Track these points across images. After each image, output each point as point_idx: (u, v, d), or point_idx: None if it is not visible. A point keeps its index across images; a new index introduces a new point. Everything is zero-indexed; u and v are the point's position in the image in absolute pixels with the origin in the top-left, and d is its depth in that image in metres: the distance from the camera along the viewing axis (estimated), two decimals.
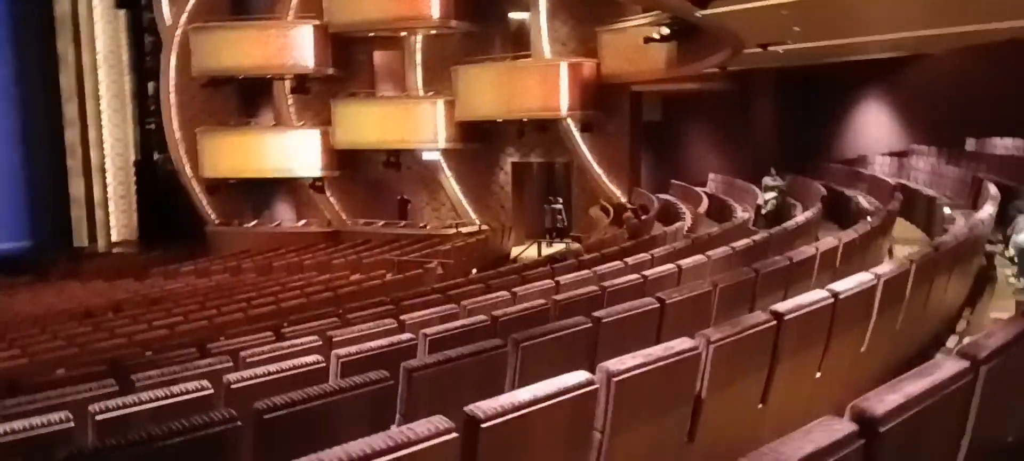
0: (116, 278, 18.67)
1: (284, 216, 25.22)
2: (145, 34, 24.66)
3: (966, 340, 5.51)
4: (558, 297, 5.18)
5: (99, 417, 3.11)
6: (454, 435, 2.05)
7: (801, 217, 9.43)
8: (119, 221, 24.87)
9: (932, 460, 1.90)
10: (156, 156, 25.21)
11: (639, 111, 20.99)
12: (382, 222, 23.28)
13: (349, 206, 24.23)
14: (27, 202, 24.18)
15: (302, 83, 23.15)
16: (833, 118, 19.11)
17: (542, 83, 20.37)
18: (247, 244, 23.02)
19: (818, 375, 3.54)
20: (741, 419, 3.06)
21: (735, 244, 7.31)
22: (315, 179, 23.73)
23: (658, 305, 4.18)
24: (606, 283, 5.55)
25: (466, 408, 2.12)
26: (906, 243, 9.38)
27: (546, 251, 18.20)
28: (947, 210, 10.17)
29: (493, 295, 6.24)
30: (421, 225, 23.03)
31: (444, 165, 23.01)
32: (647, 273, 5.91)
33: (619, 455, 2.52)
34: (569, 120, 20.75)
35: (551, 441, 2.30)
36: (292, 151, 23.55)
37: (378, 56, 23.81)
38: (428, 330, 4.30)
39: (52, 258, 22.21)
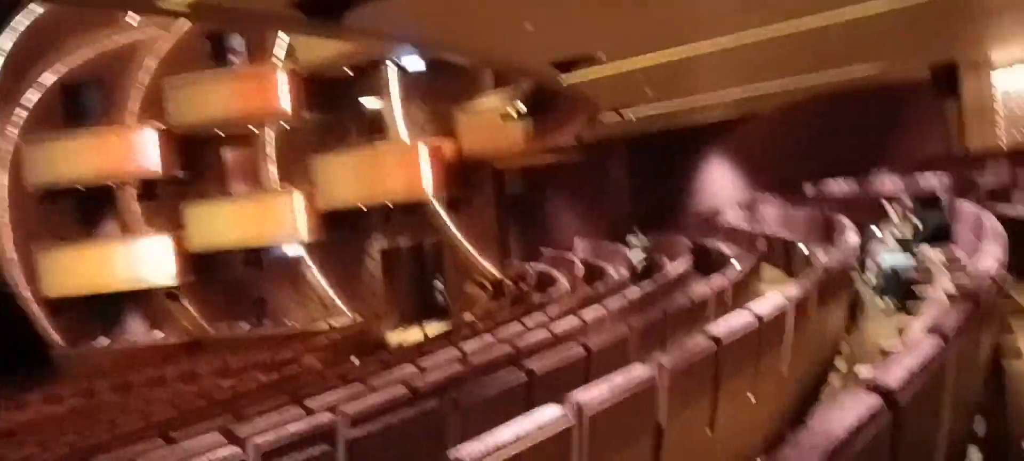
0: None
1: (137, 330, 23.66)
2: None
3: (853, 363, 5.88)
4: (472, 360, 5.10)
5: None
6: None
7: (677, 267, 9.79)
8: None
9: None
10: None
11: (502, 186, 21.40)
12: (246, 325, 22.28)
13: (209, 312, 23.07)
14: None
15: (150, 188, 22.11)
16: (682, 177, 20.22)
17: (404, 166, 20.41)
18: (100, 363, 21.37)
19: (752, 399, 3.66)
20: (696, 443, 3.10)
21: (626, 296, 7.50)
22: (170, 287, 22.48)
23: (584, 351, 4.20)
24: (519, 343, 5.53)
25: (450, 453, 2.04)
26: (773, 283, 9.96)
27: (430, 333, 17.96)
28: (804, 249, 10.94)
29: (402, 369, 6.06)
30: (289, 323, 22.23)
31: (307, 259, 22.43)
32: (553, 328, 5.95)
33: None
34: (434, 201, 20.82)
35: None
36: (142, 260, 22.28)
37: (229, 153, 23.13)
38: (347, 407, 4.12)
39: None
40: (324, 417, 3.88)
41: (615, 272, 12.79)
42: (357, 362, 13.85)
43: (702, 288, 6.08)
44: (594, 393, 2.49)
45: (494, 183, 21.18)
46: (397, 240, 22.39)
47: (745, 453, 3.53)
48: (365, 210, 21.40)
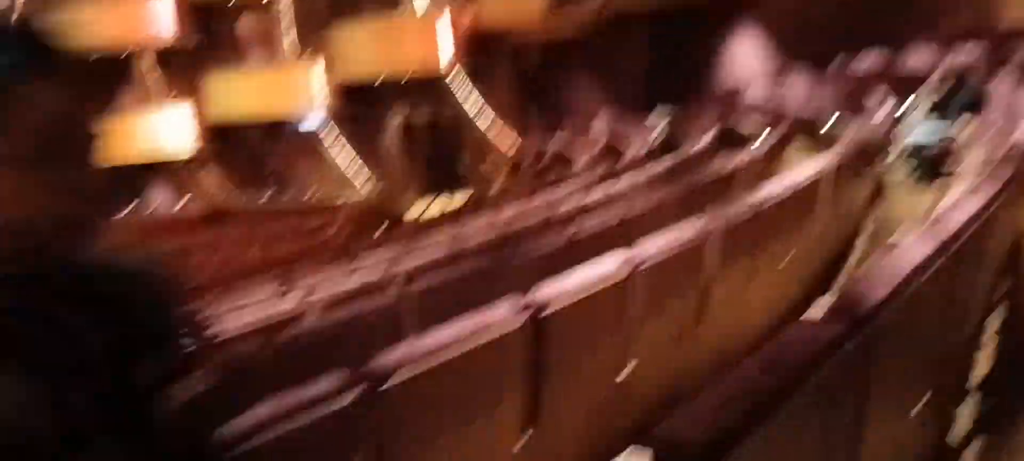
0: None
1: (159, 201, 23.99)
2: None
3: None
4: (508, 227, 5.23)
5: None
6: (522, 323, 2.10)
7: (701, 143, 9.79)
8: None
9: None
10: None
11: (519, 60, 21.13)
12: (265, 196, 22.54)
13: (229, 183, 23.32)
14: None
15: (166, 56, 21.95)
16: (705, 52, 19.86)
17: (421, 38, 20.15)
18: (124, 234, 21.75)
19: (781, 265, 3.78)
20: (736, 302, 3.24)
21: (647, 171, 7.57)
22: (190, 157, 22.66)
23: (621, 218, 4.32)
24: (550, 214, 5.65)
25: (527, 297, 2.18)
26: (801, 158, 9.98)
27: (449, 206, 18.16)
28: (832, 124, 10.89)
29: (438, 235, 6.21)
30: (307, 195, 22.47)
31: (325, 131, 22.45)
32: (579, 200, 6.06)
33: (645, 339, 2.64)
34: (452, 73, 20.64)
35: (599, 322, 2.39)
36: (162, 130, 22.36)
37: (245, 22, 22.83)
38: (400, 266, 4.28)
39: None
40: (377, 273, 4.04)
41: (635, 148, 12.80)
42: (378, 234, 14.11)
43: (728, 162, 6.14)
44: (650, 248, 2.61)
45: (512, 58, 20.92)
46: (414, 114, 22.33)
47: (779, 313, 3.68)
48: (382, 82, 21.26)
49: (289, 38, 22.09)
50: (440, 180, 23.78)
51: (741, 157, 6.83)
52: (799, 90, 15.08)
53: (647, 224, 4.60)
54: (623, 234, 4.42)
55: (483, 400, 2.03)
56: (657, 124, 15.14)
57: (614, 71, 20.59)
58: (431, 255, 4.60)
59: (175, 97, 22.60)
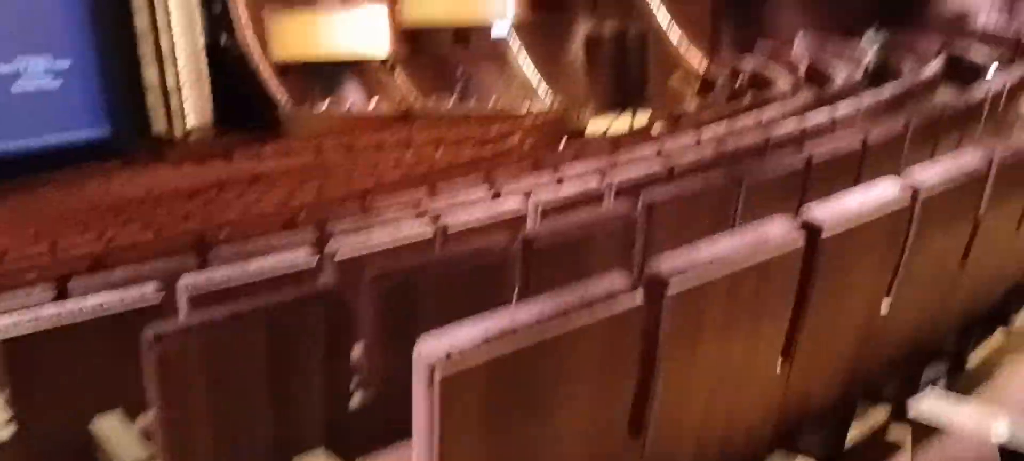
0: (203, 161, 19.02)
1: (354, 97, 25.19)
2: None
3: None
4: (726, 145, 5.03)
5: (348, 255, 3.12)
6: (800, 243, 1.99)
7: (926, 72, 8.96)
8: (193, 107, 25.12)
9: None
10: (223, 39, 25.19)
11: None
12: (452, 100, 23.09)
13: (418, 86, 24.06)
14: (103, 90, 24.45)
15: None
16: None
17: None
18: (320, 126, 23.13)
19: None
20: (1003, 244, 2.96)
21: (862, 99, 7.01)
22: (383, 59, 23.51)
23: (859, 145, 4.02)
24: (763, 136, 5.38)
25: (803, 214, 2.06)
26: None
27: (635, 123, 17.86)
28: None
29: (634, 151, 6.10)
30: (492, 102, 22.80)
31: (514, 39, 22.53)
32: (802, 125, 5.71)
33: (911, 274, 2.45)
34: None
35: (872, 250, 2.24)
36: (360, 30, 23.28)
37: None
38: (615, 177, 4.22)
39: (134, 145, 22.70)
40: (593, 182, 4.00)
41: (844, 73, 11.93)
42: (563, 144, 14.15)
43: (963, 94, 5.55)
44: (930, 174, 2.39)
45: None
46: (603, 25, 21.93)
47: None
48: None
49: None
50: (625, 95, 23.42)
51: (980, 89, 6.17)
52: None
53: (883, 154, 4.27)
54: (854, 164, 4.14)
55: (750, 319, 1.96)
56: (868, 48, 14.01)
57: None
58: (647, 169, 4.50)
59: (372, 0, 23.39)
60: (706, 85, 15.09)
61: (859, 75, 11.07)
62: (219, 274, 2.92)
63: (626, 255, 3.00)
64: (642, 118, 20.47)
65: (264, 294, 2.29)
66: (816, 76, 12.70)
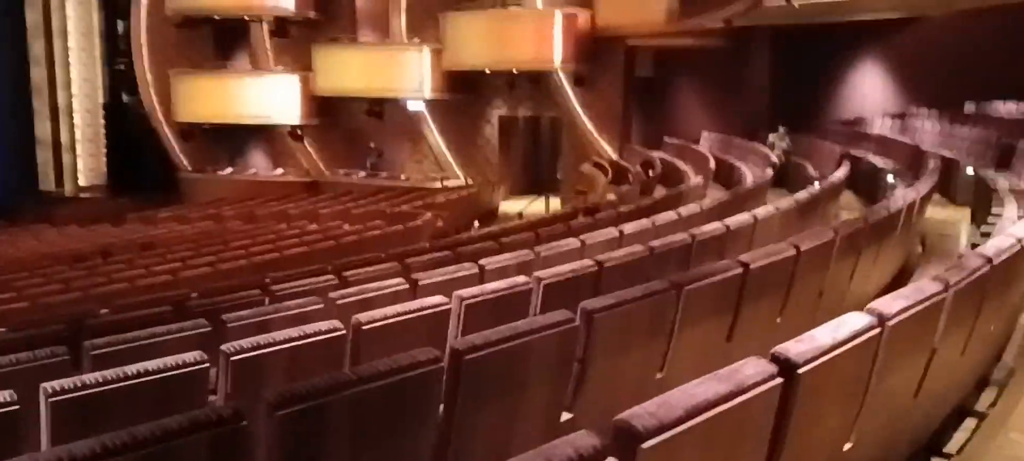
0: (91, 223, 17.92)
1: (259, 165, 24.48)
2: None
3: None
4: (653, 244, 4.89)
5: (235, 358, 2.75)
6: (776, 381, 1.77)
7: (833, 176, 9.18)
8: (87, 165, 23.88)
9: None
10: (126, 98, 24.19)
11: (632, 66, 20.67)
12: (363, 173, 22.71)
13: (327, 156, 23.59)
14: None
15: (283, 26, 22.33)
16: (827, 78, 19.03)
17: (535, 33, 19.90)
18: (221, 192, 22.30)
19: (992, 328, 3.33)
20: (951, 368, 2.84)
21: (779, 204, 7.08)
22: (294, 127, 23.00)
23: (793, 253, 3.92)
24: (693, 232, 5.28)
25: (777, 351, 1.84)
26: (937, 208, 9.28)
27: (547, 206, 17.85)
28: (970, 171, 10.14)
29: (558, 243, 5.92)
30: (402, 177, 22.55)
31: (428, 116, 22.45)
32: (726, 223, 5.65)
33: (876, 399, 2.27)
34: (561, 73, 20.34)
35: (841, 384, 2.04)
36: (271, 97, 22.77)
37: (361, 1, 23.04)
38: (543, 273, 3.98)
39: (19, 202, 21.27)
40: (519, 276, 3.74)
41: (752, 171, 12.23)
42: (477, 226, 13.98)
43: (882, 205, 5.63)
44: (894, 304, 2.23)
45: (624, 62, 20.46)
46: (517, 109, 22.14)
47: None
48: (489, 74, 21.13)
49: (401, 20, 22.13)
50: (537, 178, 23.55)
51: (894, 200, 6.29)
52: (928, 130, 14.21)
53: (813, 263, 4.19)
54: (787, 272, 4.03)
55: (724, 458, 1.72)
56: (775, 147, 14.52)
57: (728, 86, 19.93)
58: (573, 265, 4.28)
59: (286, 67, 22.98)
60: (619, 174, 15.24)
61: (768, 174, 11.35)
62: (91, 378, 2.49)
63: (564, 370, 2.74)
64: (554, 202, 20.61)
65: (142, 414, 1.91)
66: (723, 172, 12.99)
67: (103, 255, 12.50)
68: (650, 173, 14.38)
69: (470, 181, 21.83)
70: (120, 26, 23.77)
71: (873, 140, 13.54)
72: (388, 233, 12.83)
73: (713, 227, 5.44)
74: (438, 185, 21.20)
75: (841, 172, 9.04)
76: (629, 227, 6.48)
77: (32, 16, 23.10)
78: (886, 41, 18.01)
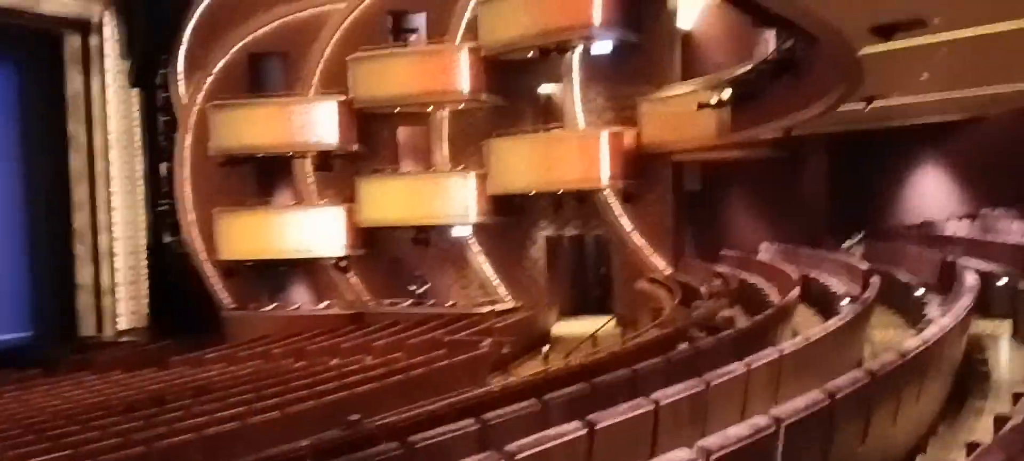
0: (135, 368, 17.34)
1: (302, 299, 24.03)
2: (159, 114, 23.82)
3: None
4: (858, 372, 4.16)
5: None
6: None
7: (966, 288, 8.12)
8: (128, 308, 23.55)
9: None
10: (167, 239, 24.06)
11: (680, 180, 20.33)
12: (408, 302, 22.16)
13: (371, 286, 23.14)
14: (30, 290, 22.84)
15: (325, 160, 22.33)
16: (885, 182, 18.51)
17: (581, 153, 19.70)
18: (265, 329, 21.75)
19: None
20: None
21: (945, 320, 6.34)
22: (339, 258, 22.65)
23: None
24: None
25: None
26: None
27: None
28: None
29: (722, 370, 5.18)
30: (448, 303, 21.97)
31: (473, 241, 22.07)
32: (903, 350, 4.94)
33: None
34: (608, 191, 20.00)
35: None
36: (314, 230, 22.55)
37: (402, 132, 23.12)
38: (780, 412, 3.29)
39: (57, 349, 20.81)
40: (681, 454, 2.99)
41: (838, 284, 11.47)
42: (546, 350, 13.27)
43: None
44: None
45: (672, 177, 20.14)
46: (563, 228, 21.73)
47: None
48: (532, 196, 20.85)
49: (444, 149, 22.09)
50: (587, 298, 22.90)
51: None
52: (1016, 230, 13.48)
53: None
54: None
55: None
56: (849, 251, 13.82)
57: (782, 196, 19.45)
58: (741, 430, 3.57)
59: (329, 199, 22.86)
60: (688, 292, 14.51)
61: (858, 290, 10.59)
62: None
63: None
64: (610, 323, 19.89)
65: None
66: (806, 284, 12.22)
67: (157, 403, 11.85)
68: (719, 287, 13.65)
69: (518, 304, 21.19)
70: (163, 168, 23.90)
71: (963, 243, 12.79)
72: (455, 363, 12.14)
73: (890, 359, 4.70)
74: (485, 310, 20.56)
75: (970, 281, 8.15)
76: (770, 353, 5.75)
77: (76, 162, 23.33)
78: (944, 142, 17.58)
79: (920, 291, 10.27)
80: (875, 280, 9.14)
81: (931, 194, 18.01)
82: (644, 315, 18.18)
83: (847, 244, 13.89)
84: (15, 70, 22.97)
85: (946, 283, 10.31)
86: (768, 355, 5.22)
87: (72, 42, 23.21)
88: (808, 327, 8.87)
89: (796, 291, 9.84)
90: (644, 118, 19.66)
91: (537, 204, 21.28)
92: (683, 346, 7.50)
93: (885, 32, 6.33)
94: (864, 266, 11.60)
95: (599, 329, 16.03)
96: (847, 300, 10.53)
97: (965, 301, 6.27)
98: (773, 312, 8.90)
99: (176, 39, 23.56)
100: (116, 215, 23.49)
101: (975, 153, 17.29)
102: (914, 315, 9.47)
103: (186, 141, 23.42)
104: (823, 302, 11.35)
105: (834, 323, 7.03)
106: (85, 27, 23.12)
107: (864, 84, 9.53)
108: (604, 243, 22.15)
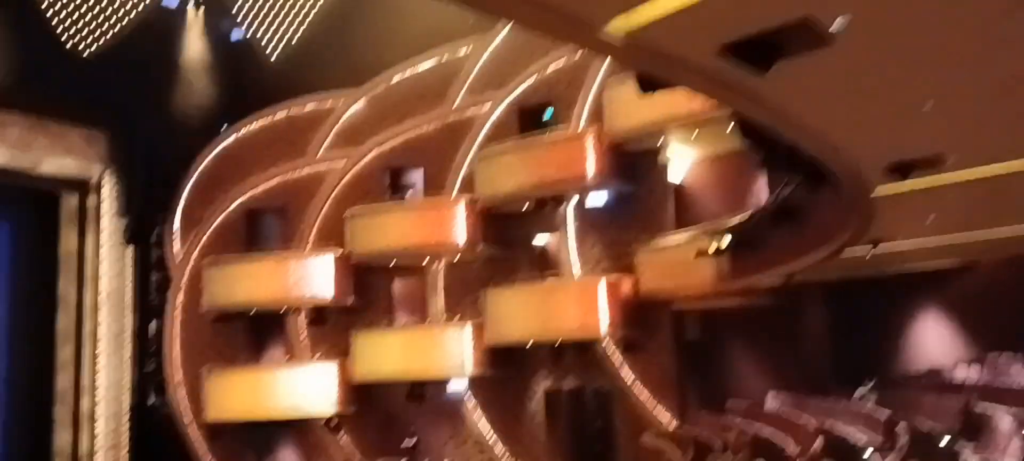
0: None
1: (289, 460, 23.09)
2: (152, 271, 23.65)
3: None
4: None
5: None
6: None
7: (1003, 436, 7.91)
8: None
9: None
10: (152, 400, 23.33)
11: (681, 329, 20.11)
12: None
13: (362, 445, 22.31)
14: (2, 459, 21.85)
15: (320, 315, 22.02)
16: (885, 328, 18.47)
17: (579, 302, 19.55)
18: None
19: None
20: None
21: None
22: (330, 417, 21.93)
23: None
24: None
25: None
26: None
27: None
28: None
29: None
30: None
31: (469, 395, 21.51)
32: None
33: None
34: (608, 341, 19.72)
35: None
36: (306, 388, 21.94)
37: (397, 284, 22.99)
38: None
39: None
40: None
41: (858, 435, 11.11)
42: None
43: None
44: None
45: (673, 326, 19.92)
46: (562, 381, 21.26)
47: None
48: (530, 347, 20.50)
49: (439, 300, 21.91)
50: (588, 454, 22.13)
51: None
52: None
53: None
54: None
55: None
56: (862, 400, 13.50)
57: (784, 343, 19.26)
58: None
59: (322, 355, 22.41)
60: (700, 449, 13.97)
61: (879, 439, 10.26)
62: None
63: None
64: None
65: None
66: (828, 438, 11.80)
67: None
68: (733, 444, 13.17)
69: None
70: (153, 326, 23.47)
71: (977, 389, 12.53)
72: None
73: None
74: None
75: (1005, 426, 7.85)
76: None
77: (64, 321, 22.88)
78: (943, 288, 17.66)
79: (945, 439, 9.96)
80: (903, 427, 8.84)
81: (933, 340, 17.91)
82: None
83: (859, 393, 13.57)
84: (9, 230, 22.90)
85: (970, 430, 10.02)
86: None
87: (69, 202, 23.28)
88: None
89: (819, 442, 9.44)
90: (642, 266, 19.64)
91: (536, 356, 20.91)
92: None
93: (903, 171, 6.37)
94: (883, 414, 11.27)
95: None
96: (869, 451, 10.17)
97: (1016, 444, 5.98)
98: None
99: (174, 196, 23.74)
100: (100, 377, 22.82)
101: (974, 299, 17.35)
102: None
103: (178, 298, 23.13)
104: (843, 454, 10.95)
105: None
106: (83, 187, 23.27)
107: (871, 228, 9.56)
108: (604, 396, 21.64)
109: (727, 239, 15.47)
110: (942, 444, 9.72)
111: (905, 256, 15.08)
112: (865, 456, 9.70)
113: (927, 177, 6.70)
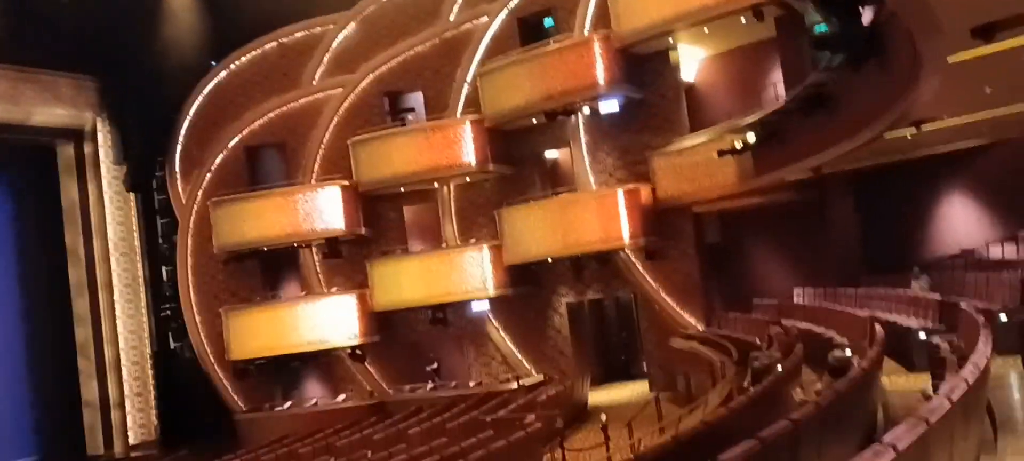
0: None
1: (317, 394, 23.09)
2: (158, 217, 23.22)
3: None
4: None
5: None
6: None
7: None
8: (136, 421, 22.51)
9: None
10: (174, 345, 23.19)
11: (702, 233, 19.84)
12: (429, 386, 21.29)
13: (388, 373, 22.28)
14: (34, 412, 21.81)
15: (333, 247, 21.69)
16: (915, 214, 18.11)
17: (599, 214, 19.20)
18: (282, 429, 20.78)
19: None
20: None
21: None
22: (354, 348, 21.83)
23: None
24: None
25: None
26: None
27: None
28: None
29: None
30: (471, 383, 21.13)
31: (491, 316, 21.37)
32: None
33: None
34: (629, 251, 19.47)
35: None
36: (326, 320, 21.75)
37: (408, 211, 22.61)
38: None
39: None
40: None
41: (915, 322, 10.85)
42: (604, 418, 12.51)
43: None
44: None
45: (694, 230, 19.64)
46: (585, 293, 21.10)
47: None
48: (551, 262, 20.24)
49: (453, 224, 21.57)
50: (614, 362, 22.18)
51: None
52: None
53: None
54: None
55: None
56: (923, 287, 13.19)
57: (809, 238, 18.98)
58: None
59: (339, 288, 22.18)
60: (742, 348, 13.73)
61: (932, 323, 10.02)
62: None
63: None
64: (641, 389, 19.18)
65: None
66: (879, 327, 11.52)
67: None
68: (779, 340, 12.96)
69: (545, 377, 20.37)
70: (164, 272, 23.17)
71: (1019, 264, 12.30)
72: (512, 442, 11.34)
73: None
74: (513, 386, 19.74)
75: None
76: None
77: (75, 274, 22.57)
78: (968, 167, 17.27)
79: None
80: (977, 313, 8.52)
81: (962, 222, 17.61)
82: (682, 374, 17.48)
83: (916, 281, 13.26)
84: (8, 185, 22.40)
85: None
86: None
87: (65, 151, 22.72)
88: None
89: (878, 332, 9.17)
90: (658, 173, 19.25)
91: (556, 271, 20.68)
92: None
93: (986, 33, 5.93)
94: (935, 297, 11.05)
95: (651, 397, 15.26)
96: (922, 334, 9.96)
97: None
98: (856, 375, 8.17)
99: (171, 140, 23.16)
100: (119, 325, 22.63)
101: (1000, 176, 16.98)
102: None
103: (188, 242, 22.79)
104: (895, 340, 10.75)
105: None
106: (77, 136, 22.67)
107: (919, 107, 9.13)
108: (626, 306, 21.53)
109: (751, 135, 15.03)
110: (1003, 321, 9.52)
111: (935, 137, 14.67)
112: (920, 338, 9.48)
113: (1006, 40, 6.25)
